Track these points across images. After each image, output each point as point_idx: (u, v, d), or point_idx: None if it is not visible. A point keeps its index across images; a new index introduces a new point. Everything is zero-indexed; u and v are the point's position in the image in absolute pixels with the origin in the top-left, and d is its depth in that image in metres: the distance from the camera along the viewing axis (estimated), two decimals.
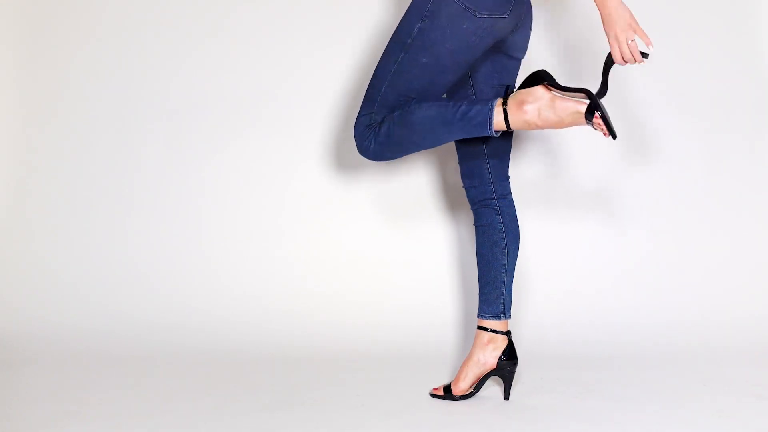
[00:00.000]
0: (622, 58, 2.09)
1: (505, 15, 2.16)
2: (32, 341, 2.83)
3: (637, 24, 2.09)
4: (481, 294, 2.40)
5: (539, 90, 2.16)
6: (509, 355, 2.35)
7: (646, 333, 2.84)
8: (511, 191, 2.43)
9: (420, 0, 2.16)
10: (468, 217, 2.98)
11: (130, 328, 2.88)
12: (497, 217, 2.37)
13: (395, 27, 2.23)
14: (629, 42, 2.07)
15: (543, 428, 2.15)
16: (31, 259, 3.03)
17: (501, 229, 2.37)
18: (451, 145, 2.59)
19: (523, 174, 2.99)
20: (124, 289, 2.98)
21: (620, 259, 2.98)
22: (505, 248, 2.37)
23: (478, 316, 2.39)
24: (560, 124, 2.15)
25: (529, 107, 2.15)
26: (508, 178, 2.43)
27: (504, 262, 2.38)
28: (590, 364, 2.64)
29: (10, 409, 2.28)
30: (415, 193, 3.00)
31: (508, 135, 2.38)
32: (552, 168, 3.01)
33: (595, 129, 2.12)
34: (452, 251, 2.98)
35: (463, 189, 2.43)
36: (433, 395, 2.37)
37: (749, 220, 3.01)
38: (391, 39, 2.22)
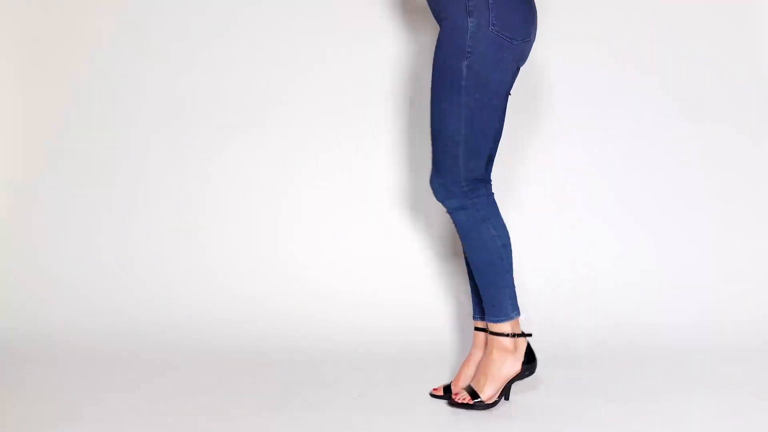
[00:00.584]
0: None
1: (532, 38, 2.19)
2: (32, 341, 2.83)
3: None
4: (473, 297, 2.40)
5: (517, 361, 2.27)
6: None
7: (646, 333, 2.84)
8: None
9: (451, 41, 2.11)
10: None
11: (130, 328, 2.88)
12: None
13: (433, 78, 2.15)
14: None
15: (543, 428, 2.15)
16: (31, 259, 3.03)
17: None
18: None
19: (527, 174, 2.99)
20: (124, 289, 2.98)
21: (621, 260, 2.98)
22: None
23: (474, 318, 2.40)
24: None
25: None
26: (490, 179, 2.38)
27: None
28: (590, 364, 2.64)
29: (10, 409, 2.28)
30: (416, 193, 3.00)
31: (498, 133, 2.32)
32: (553, 168, 3.01)
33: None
34: (452, 252, 2.98)
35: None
36: (433, 395, 2.37)
37: (750, 221, 3.01)
38: (438, 88, 2.15)
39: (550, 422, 2.19)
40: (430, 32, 2.94)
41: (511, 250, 2.26)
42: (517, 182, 3.01)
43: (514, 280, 2.30)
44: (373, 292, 2.96)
